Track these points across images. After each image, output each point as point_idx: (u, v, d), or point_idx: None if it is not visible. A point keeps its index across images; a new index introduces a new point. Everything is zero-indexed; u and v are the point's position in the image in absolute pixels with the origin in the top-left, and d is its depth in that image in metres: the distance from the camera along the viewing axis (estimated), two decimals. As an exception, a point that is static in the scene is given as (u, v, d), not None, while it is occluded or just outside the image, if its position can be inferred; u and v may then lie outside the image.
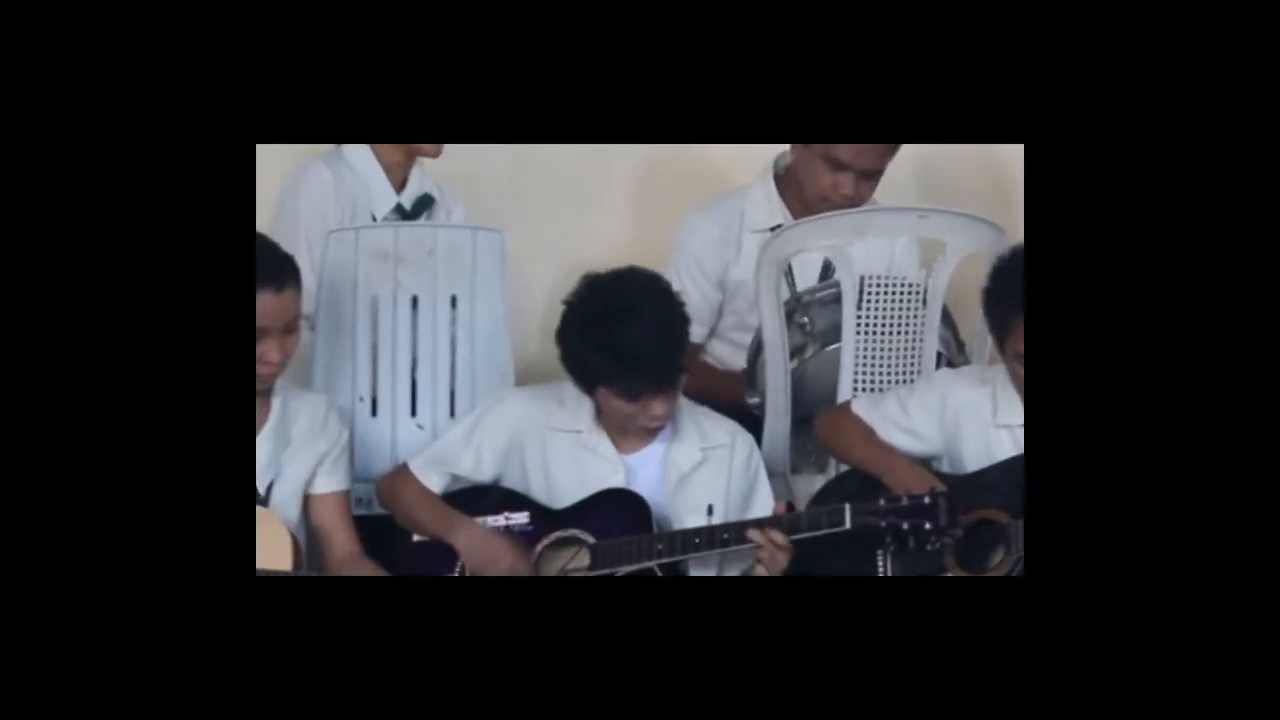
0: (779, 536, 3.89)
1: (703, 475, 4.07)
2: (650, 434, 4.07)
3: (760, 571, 3.90)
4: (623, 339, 3.89)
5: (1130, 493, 3.26)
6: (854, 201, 4.59)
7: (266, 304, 3.86)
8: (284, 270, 3.94)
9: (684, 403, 4.10)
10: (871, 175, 4.62)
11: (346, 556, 4.08)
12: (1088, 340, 3.31)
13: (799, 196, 4.70)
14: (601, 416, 4.07)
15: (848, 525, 3.88)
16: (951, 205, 4.51)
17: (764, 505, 4.11)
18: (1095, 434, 3.28)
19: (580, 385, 4.03)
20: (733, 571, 4.04)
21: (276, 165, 4.56)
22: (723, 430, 4.13)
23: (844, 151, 4.55)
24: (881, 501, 3.89)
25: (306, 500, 4.10)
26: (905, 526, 3.85)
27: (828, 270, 4.64)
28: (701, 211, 4.81)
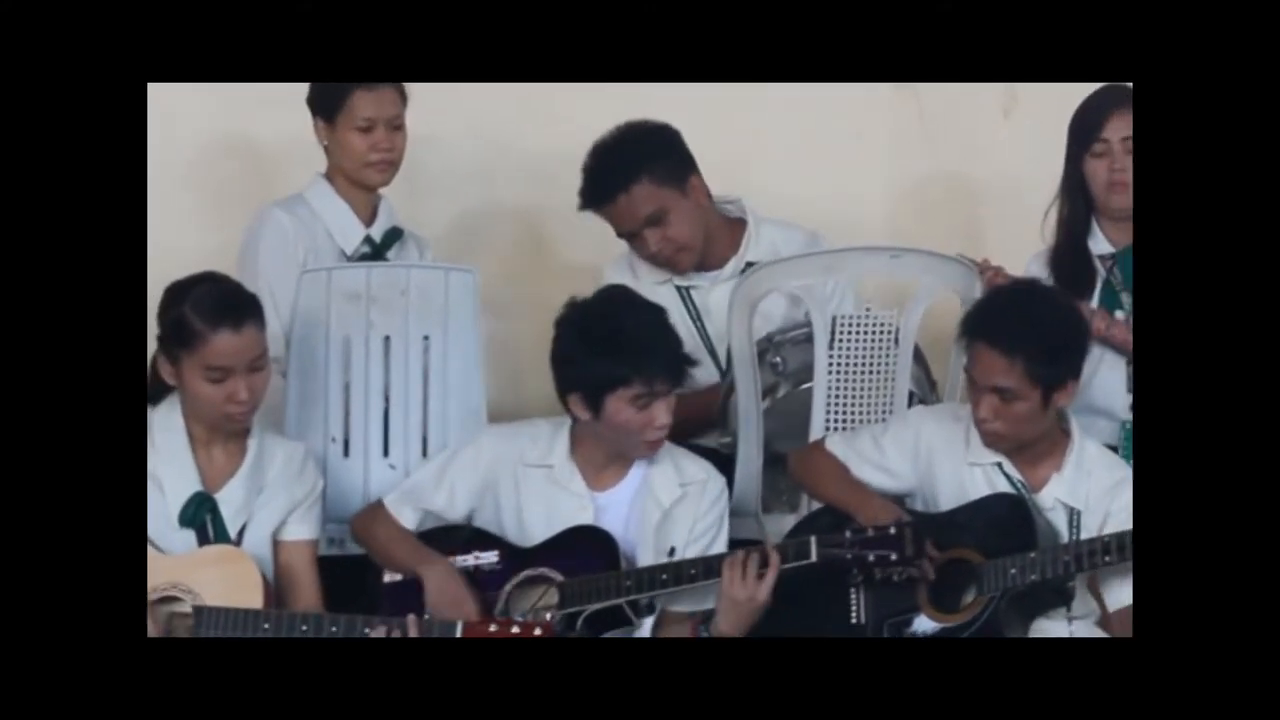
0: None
1: (684, 510, 4.07)
2: (626, 466, 4.06)
3: (735, 589, 3.86)
4: (631, 329, 3.92)
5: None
6: None
7: (228, 343, 3.88)
8: (243, 308, 3.94)
9: None
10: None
11: (310, 608, 4.05)
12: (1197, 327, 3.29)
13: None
14: (577, 451, 4.06)
15: (814, 558, 3.88)
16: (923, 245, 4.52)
17: (724, 546, 4.08)
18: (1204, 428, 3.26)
19: (587, 403, 3.98)
20: (705, 606, 4.03)
21: (240, 217, 4.61)
22: (699, 467, 4.12)
23: None
24: (847, 533, 3.88)
25: (275, 544, 4.08)
26: (871, 558, 3.84)
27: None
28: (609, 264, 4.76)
